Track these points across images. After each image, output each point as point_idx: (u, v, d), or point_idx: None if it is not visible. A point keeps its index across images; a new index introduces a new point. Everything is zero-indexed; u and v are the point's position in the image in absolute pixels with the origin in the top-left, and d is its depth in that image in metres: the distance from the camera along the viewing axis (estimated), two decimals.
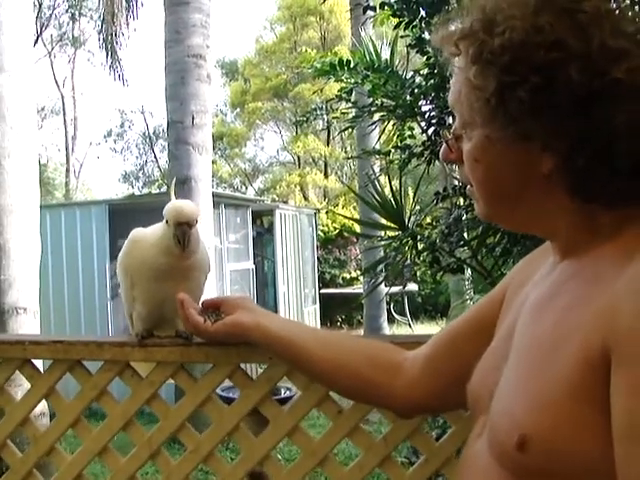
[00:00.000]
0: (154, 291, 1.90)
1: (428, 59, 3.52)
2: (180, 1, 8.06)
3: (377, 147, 5.10)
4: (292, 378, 1.89)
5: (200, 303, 1.76)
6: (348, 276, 17.96)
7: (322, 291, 16.67)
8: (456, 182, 3.81)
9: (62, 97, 31.59)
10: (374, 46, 3.98)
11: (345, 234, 17.00)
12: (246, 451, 1.95)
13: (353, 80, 3.99)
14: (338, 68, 3.95)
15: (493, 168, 1.16)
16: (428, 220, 3.92)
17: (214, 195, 8.73)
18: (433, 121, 3.69)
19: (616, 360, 0.97)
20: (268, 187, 29.38)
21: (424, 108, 3.79)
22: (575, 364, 1.01)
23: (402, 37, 3.82)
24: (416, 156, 3.76)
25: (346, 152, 26.39)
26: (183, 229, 1.79)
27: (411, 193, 4.49)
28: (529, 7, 1.08)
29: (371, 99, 3.95)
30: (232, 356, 1.88)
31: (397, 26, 3.66)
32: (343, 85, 4.09)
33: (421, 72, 3.71)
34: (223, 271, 11.33)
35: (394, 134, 4.10)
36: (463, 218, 3.61)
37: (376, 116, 4.09)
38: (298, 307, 14.87)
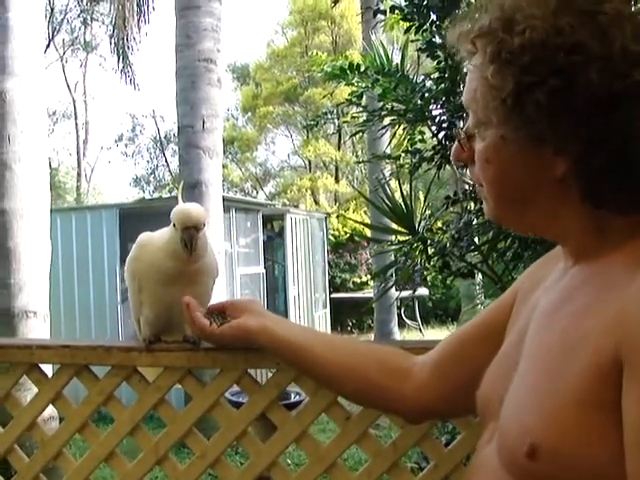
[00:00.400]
0: (161, 295, 1.89)
1: (439, 63, 3.51)
2: (191, 5, 8.06)
3: (388, 151, 5.09)
4: (300, 383, 1.88)
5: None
6: (359, 280, 17.95)
7: (333, 295, 16.64)
8: (467, 186, 3.80)
9: (74, 101, 31.74)
10: (384, 50, 3.97)
11: (356, 238, 16.99)
12: (254, 456, 1.94)
13: (364, 84, 3.99)
14: (348, 72, 3.95)
15: (505, 169, 1.14)
16: (439, 224, 3.92)
17: (225, 199, 8.72)
18: (444, 125, 3.68)
19: (628, 368, 0.95)
20: (279, 191, 29.44)
21: (435, 112, 3.78)
22: (586, 372, 1.00)
23: (412, 41, 3.82)
24: (426, 160, 3.75)
25: (357, 156, 26.43)
26: (190, 233, 1.79)
27: (422, 197, 4.48)
28: (549, 7, 1.07)
29: (381, 103, 3.94)
30: (239, 361, 1.87)
31: (407, 30, 3.67)
32: (354, 89, 4.08)
33: (432, 76, 3.70)
34: (233, 275, 11.33)
35: (404, 138, 4.10)
36: (474, 223, 3.60)
37: (386, 120, 4.08)
38: (308, 311, 14.85)
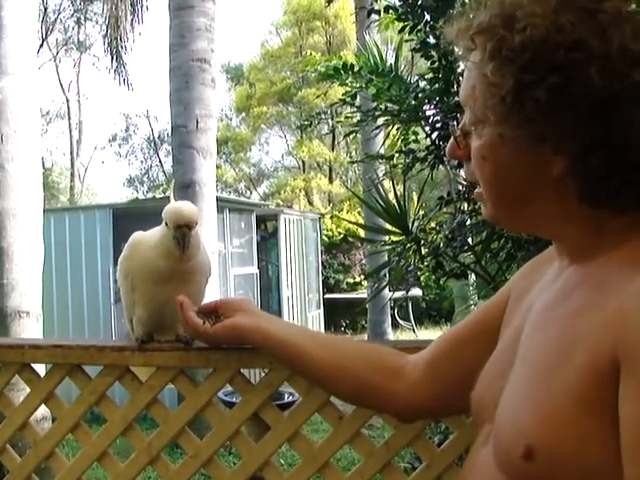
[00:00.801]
0: (154, 294, 1.89)
1: (432, 63, 3.50)
2: (185, 5, 8.04)
3: (381, 151, 5.08)
4: (293, 383, 1.87)
5: None
6: (352, 281, 17.96)
7: (326, 296, 16.63)
8: (460, 187, 3.80)
9: (67, 101, 31.69)
10: (378, 50, 3.97)
11: (349, 239, 16.98)
12: (247, 456, 1.94)
13: (357, 84, 3.99)
14: (342, 72, 3.95)
15: (502, 167, 1.14)
16: (432, 225, 3.91)
17: (218, 199, 8.71)
18: (437, 125, 3.67)
19: (626, 369, 0.95)
20: (273, 192, 29.44)
21: (428, 112, 3.78)
22: (582, 372, 0.99)
23: (406, 41, 3.82)
24: (420, 161, 3.74)
25: (351, 157, 26.42)
26: (182, 231, 1.78)
27: (415, 198, 4.48)
28: (550, 5, 1.06)
29: (375, 103, 3.94)
30: (232, 361, 1.87)
31: (401, 30, 3.66)
32: (347, 89, 4.08)
33: (425, 76, 3.69)
34: (227, 276, 11.32)
35: (398, 138, 4.10)
36: (467, 223, 3.61)
37: (380, 120, 4.07)
38: (302, 312, 14.85)
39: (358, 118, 4.26)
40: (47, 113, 30.91)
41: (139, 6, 17.33)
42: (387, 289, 4.69)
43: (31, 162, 6.56)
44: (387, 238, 4.18)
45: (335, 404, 1.86)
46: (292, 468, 1.97)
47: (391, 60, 3.96)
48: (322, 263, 17.06)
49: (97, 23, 25.35)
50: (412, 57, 4.18)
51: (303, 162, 28.51)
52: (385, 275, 4.09)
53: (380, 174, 5.76)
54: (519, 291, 1.31)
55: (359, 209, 19.73)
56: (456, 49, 1.20)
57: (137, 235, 1.94)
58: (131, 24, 17.60)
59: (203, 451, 1.95)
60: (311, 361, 1.56)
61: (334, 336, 1.91)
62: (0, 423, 2.10)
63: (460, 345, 1.42)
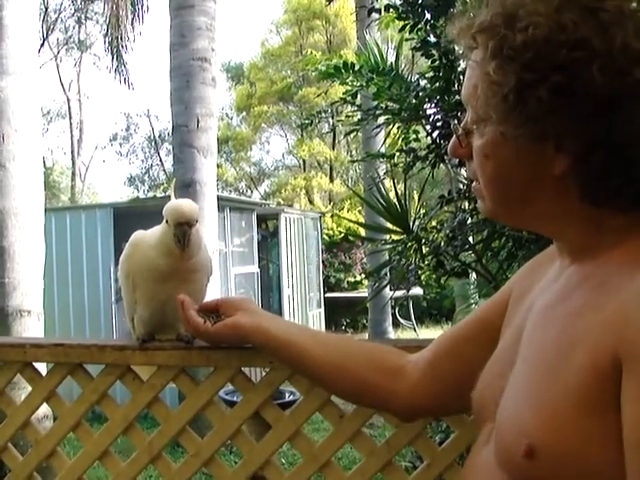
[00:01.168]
0: (155, 293, 1.89)
1: (433, 62, 3.50)
2: (185, 4, 8.04)
3: (382, 150, 5.08)
4: (294, 382, 1.87)
5: None
6: (353, 280, 17.95)
7: (327, 295, 16.63)
8: (461, 186, 3.80)
9: (68, 100, 31.66)
10: (379, 49, 3.96)
11: (350, 238, 16.96)
12: (248, 455, 1.94)
13: (358, 83, 3.98)
14: (343, 71, 3.94)
15: (503, 166, 1.14)
16: (433, 224, 3.91)
17: (219, 199, 8.72)
18: (438, 124, 3.67)
19: (627, 369, 0.95)
20: (273, 191, 29.40)
21: (429, 111, 3.77)
22: (584, 372, 0.99)
23: (407, 40, 3.81)
24: (421, 159, 3.74)
25: (351, 155, 26.39)
26: (183, 229, 1.78)
27: (416, 196, 4.47)
28: (552, 3, 1.06)
29: (376, 102, 3.93)
30: (233, 360, 1.87)
31: (402, 29, 3.65)
32: (348, 88, 4.07)
33: (426, 75, 3.69)
34: (228, 275, 11.32)
35: (399, 137, 4.09)
36: (468, 222, 3.60)
37: (381, 119, 4.06)
38: (303, 311, 14.85)
39: (359, 117, 4.25)
40: (48, 112, 30.90)
41: (140, 5, 17.35)
42: (388, 288, 4.68)
43: (32, 161, 6.55)
44: (388, 237, 4.17)
45: (336, 403, 1.86)
46: (293, 467, 1.97)
47: (392, 59, 3.95)
48: (323, 262, 17.05)
49: (98, 22, 25.37)
50: (413, 56, 4.18)
51: (304, 161, 28.47)
52: (386, 274, 4.09)
53: (381, 173, 5.75)
54: (520, 290, 1.31)
55: (360, 208, 19.72)
56: (457, 48, 1.20)
57: (138, 234, 1.94)
58: (132, 23, 17.62)
59: (204, 450, 1.95)
60: (312, 360, 1.56)
61: (335, 335, 1.90)
62: (1, 422, 2.10)
63: (461, 344, 1.42)
